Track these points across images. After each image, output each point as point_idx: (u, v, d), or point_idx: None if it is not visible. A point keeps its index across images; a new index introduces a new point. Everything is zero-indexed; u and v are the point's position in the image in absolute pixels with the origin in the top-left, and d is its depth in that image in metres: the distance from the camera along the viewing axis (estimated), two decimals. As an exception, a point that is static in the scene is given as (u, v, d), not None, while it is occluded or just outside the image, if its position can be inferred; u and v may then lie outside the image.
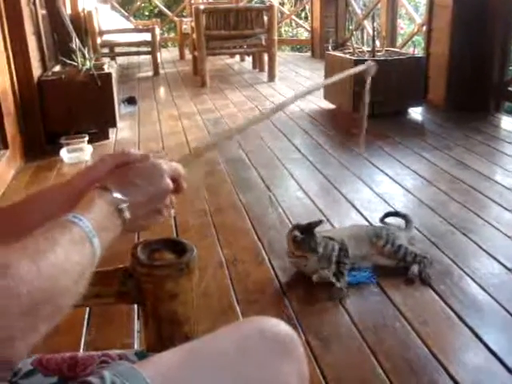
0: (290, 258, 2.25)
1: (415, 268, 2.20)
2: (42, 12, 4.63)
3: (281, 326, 0.87)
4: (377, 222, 2.66)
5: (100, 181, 0.80)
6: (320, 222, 2.21)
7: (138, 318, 1.91)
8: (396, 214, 2.70)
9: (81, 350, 1.80)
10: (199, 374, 0.78)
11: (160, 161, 0.86)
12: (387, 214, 2.70)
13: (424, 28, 5.56)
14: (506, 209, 2.86)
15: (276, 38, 6.75)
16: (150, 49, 7.48)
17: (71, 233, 0.68)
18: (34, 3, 4.33)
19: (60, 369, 0.89)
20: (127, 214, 0.78)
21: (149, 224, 0.86)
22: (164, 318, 0.98)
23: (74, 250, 0.67)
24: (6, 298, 0.57)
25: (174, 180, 0.86)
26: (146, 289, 0.96)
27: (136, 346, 1.81)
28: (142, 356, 0.92)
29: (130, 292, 0.98)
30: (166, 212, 0.87)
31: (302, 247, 2.17)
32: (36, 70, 4.14)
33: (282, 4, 10.25)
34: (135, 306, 1.74)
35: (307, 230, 2.19)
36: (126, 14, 10.00)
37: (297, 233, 2.18)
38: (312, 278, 2.17)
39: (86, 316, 1.97)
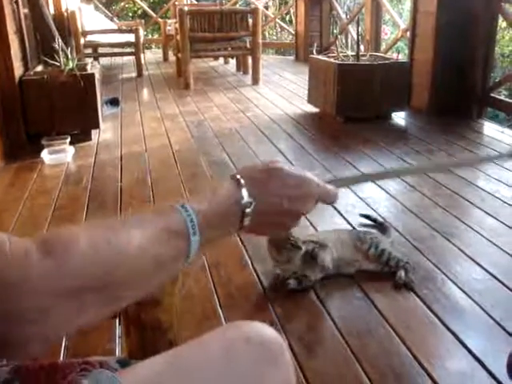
0: (276, 266, 2.23)
1: (402, 273, 2.20)
2: (24, 11, 4.57)
3: (267, 331, 0.85)
4: (360, 225, 2.66)
5: (238, 171, 0.73)
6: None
7: (120, 324, 1.88)
8: (374, 221, 2.71)
9: (61, 356, 1.77)
10: (183, 382, 0.76)
11: (314, 179, 0.77)
12: (368, 217, 2.71)
13: (408, 33, 5.59)
14: (488, 214, 2.87)
15: (260, 41, 6.75)
16: (133, 50, 7.45)
17: (168, 222, 0.63)
18: (17, 2, 4.28)
19: (39, 376, 0.87)
20: (247, 221, 0.71)
21: (264, 233, 0.80)
22: (147, 324, 0.96)
23: (159, 242, 0.62)
24: (43, 279, 0.54)
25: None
26: (129, 295, 0.94)
27: (118, 352, 1.78)
28: (124, 364, 0.90)
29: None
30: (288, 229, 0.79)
31: (284, 247, 2.14)
32: (18, 70, 4.09)
33: (267, 7, 10.25)
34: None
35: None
36: (110, 14, 9.94)
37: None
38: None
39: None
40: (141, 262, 0.61)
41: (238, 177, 0.73)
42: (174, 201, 0.66)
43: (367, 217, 2.75)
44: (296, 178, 0.76)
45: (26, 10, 4.80)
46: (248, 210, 0.71)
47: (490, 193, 3.16)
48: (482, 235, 2.63)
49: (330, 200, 0.80)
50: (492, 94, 4.87)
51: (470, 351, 1.79)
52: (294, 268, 2.16)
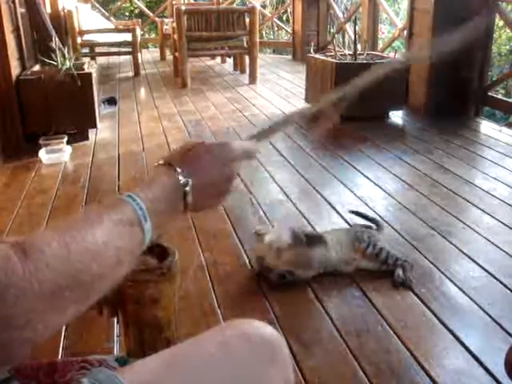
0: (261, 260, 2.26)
1: (400, 272, 2.21)
2: (21, 10, 4.55)
3: (266, 329, 0.86)
4: (357, 225, 2.66)
5: (166, 158, 0.78)
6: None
7: (118, 323, 1.87)
8: (365, 217, 2.70)
9: (59, 356, 1.77)
10: (182, 380, 0.76)
11: (233, 142, 0.83)
12: (358, 213, 2.71)
13: (405, 32, 5.60)
14: (485, 212, 2.88)
15: (258, 40, 6.74)
16: (130, 49, 7.43)
17: (121, 215, 0.66)
18: (13, 1, 4.27)
19: (38, 376, 0.87)
20: (190, 198, 0.76)
21: (209, 206, 0.83)
22: (145, 323, 0.97)
23: (119, 234, 0.65)
24: (25, 283, 0.55)
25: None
26: (127, 293, 0.94)
27: (116, 351, 1.78)
28: (122, 362, 0.90)
29: (110, 297, 0.96)
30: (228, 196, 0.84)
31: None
32: (14, 69, 4.08)
33: (264, 6, 10.24)
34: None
35: None
36: (107, 13, 9.93)
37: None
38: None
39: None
40: (107, 255, 0.63)
41: (168, 162, 0.78)
42: (119, 194, 0.70)
43: (358, 213, 2.73)
44: (217, 146, 0.82)
45: (23, 10, 4.78)
46: (187, 189, 0.75)
47: (487, 191, 3.17)
48: (479, 233, 2.64)
49: (251, 155, 0.86)
50: (489, 93, 4.87)
51: (467, 349, 1.79)
52: (282, 262, 2.18)
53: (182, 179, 0.76)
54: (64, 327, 1.90)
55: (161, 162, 0.78)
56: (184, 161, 0.78)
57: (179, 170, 0.76)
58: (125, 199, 0.69)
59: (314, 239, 2.23)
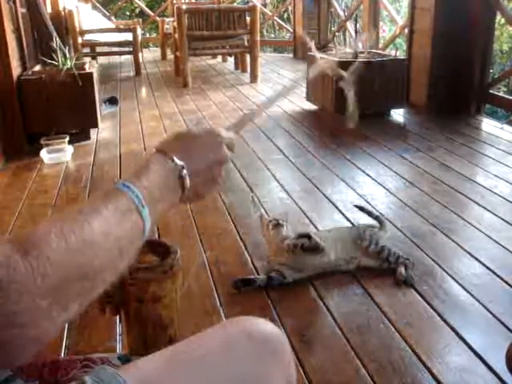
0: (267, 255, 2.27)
1: (402, 269, 2.21)
2: (21, 10, 4.56)
3: (268, 327, 0.86)
4: (359, 223, 2.66)
5: (157, 147, 0.78)
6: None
7: (120, 321, 1.88)
8: (369, 214, 2.69)
9: (62, 355, 1.77)
10: (184, 378, 0.76)
11: (218, 128, 0.85)
12: (362, 209, 2.71)
13: (406, 30, 5.60)
14: (487, 210, 2.88)
15: (258, 38, 6.74)
16: (131, 49, 7.43)
17: (116, 203, 0.66)
18: (14, 1, 4.27)
19: (41, 374, 0.87)
20: (187, 182, 0.76)
21: (205, 193, 0.84)
22: (148, 320, 0.97)
23: (117, 223, 0.65)
24: (27, 279, 0.54)
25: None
26: (130, 291, 0.94)
27: (118, 349, 1.78)
28: (125, 360, 0.91)
29: (112, 295, 0.96)
30: (221, 181, 0.85)
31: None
32: (15, 70, 4.08)
33: (265, 5, 10.24)
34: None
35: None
36: (108, 13, 9.93)
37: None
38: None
39: (67, 319, 1.95)
40: (107, 245, 0.63)
41: (161, 150, 0.78)
42: (114, 183, 0.69)
43: (362, 208, 2.72)
44: (205, 132, 0.84)
45: (24, 10, 4.79)
46: (184, 173, 0.76)
47: (488, 189, 3.17)
48: (480, 231, 2.64)
49: (231, 147, 0.87)
50: (490, 90, 4.87)
51: (469, 346, 1.79)
52: (282, 261, 2.19)
53: (178, 163, 0.76)
54: (66, 326, 1.91)
55: (153, 151, 0.78)
56: (176, 148, 0.78)
57: (173, 156, 0.76)
58: (119, 188, 0.68)
59: (310, 248, 2.23)
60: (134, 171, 0.72)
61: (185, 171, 0.76)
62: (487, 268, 2.29)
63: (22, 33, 4.43)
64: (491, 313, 1.97)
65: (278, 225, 2.25)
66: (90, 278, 0.61)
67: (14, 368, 0.61)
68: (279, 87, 6.39)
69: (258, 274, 2.27)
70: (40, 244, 0.57)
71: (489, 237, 2.57)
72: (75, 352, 1.75)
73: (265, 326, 0.87)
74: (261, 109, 1.08)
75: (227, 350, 0.81)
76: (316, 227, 2.68)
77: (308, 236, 2.23)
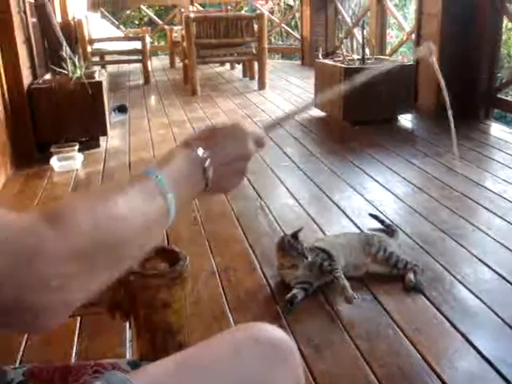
0: (280, 270, 2.25)
1: (411, 276, 2.20)
2: (32, 20, 4.61)
3: (276, 332, 0.87)
4: (368, 229, 2.67)
5: (182, 141, 0.80)
6: (300, 230, 2.24)
7: (130, 328, 1.89)
8: (382, 222, 2.70)
9: (72, 360, 1.78)
10: (194, 382, 0.77)
11: (244, 123, 0.86)
12: (376, 217, 2.72)
13: (413, 36, 5.60)
14: (496, 215, 2.87)
15: (266, 46, 6.77)
16: (140, 57, 7.48)
17: (142, 186, 0.68)
18: (25, 11, 4.32)
19: (52, 379, 0.88)
20: (210, 173, 0.77)
21: (229, 186, 0.85)
22: (157, 327, 0.98)
23: (143, 203, 0.67)
24: (57, 246, 0.57)
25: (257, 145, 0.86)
26: (139, 298, 0.95)
27: (128, 356, 1.79)
28: (135, 365, 0.92)
29: (122, 301, 0.97)
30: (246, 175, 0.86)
31: (290, 254, 2.16)
32: (26, 78, 4.13)
33: (272, 12, 10.27)
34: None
35: (292, 237, 2.20)
36: (116, 22, 10.00)
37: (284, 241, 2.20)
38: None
39: (78, 326, 1.96)
40: (133, 219, 0.65)
41: (185, 142, 0.79)
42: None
43: (375, 217, 2.75)
44: (230, 126, 0.84)
45: (34, 19, 4.84)
46: (207, 164, 0.76)
47: (497, 194, 3.16)
48: (489, 236, 2.63)
49: (261, 142, 0.87)
50: (498, 95, 4.86)
51: (478, 352, 1.79)
52: (298, 274, 2.17)
53: (201, 154, 0.77)
54: (77, 332, 1.92)
55: (177, 144, 0.80)
56: (200, 140, 0.80)
57: (197, 146, 0.77)
58: (144, 174, 0.70)
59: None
60: (158, 161, 0.74)
61: (208, 162, 0.76)
62: (496, 273, 2.28)
63: (33, 42, 4.48)
64: (501, 318, 1.97)
65: (293, 266, 2.19)
66: (117, 249, 0.63)
67: (42, 332, 0.64)
68: (287, 94, 6.41)
69: (268, 281, 2.28)
70: (67, 214, 0.60)
71: (498, 242, 2.56)
72: (85, 358, 1.76)
73: (273, 332, 0.87)
74: (291, 115, 1.09)
75: (236, 355, 0.82)
76: (324, 233, 2.69)
77: (322, 249, 2.24)
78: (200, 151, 0.77)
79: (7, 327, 0.62)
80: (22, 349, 1.85)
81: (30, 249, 0.56)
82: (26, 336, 1.90)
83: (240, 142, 0.82)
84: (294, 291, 2.12)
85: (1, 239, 0.55)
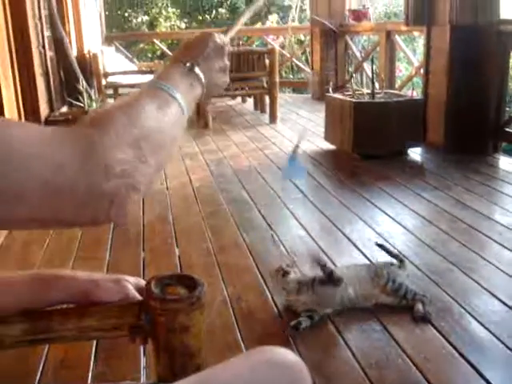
0: (286, 297, 2.31)
1: (420, 306, 2.24)
2: (50, 54, 4.75)
3: (289, 356, 0.91)
4: (377, 260, 2.70)
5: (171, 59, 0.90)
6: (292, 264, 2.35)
7: (145, 354, 1.93)
8: (389, 252, 2.73)
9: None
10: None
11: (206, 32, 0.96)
12: (382, 246, 2.75)
13: (422, 70, 5.69)
14: (505, 247, 2.90)
15: (277, 80, 6.88)
16: (153, 90, 7.59)
17: (156, 96, 0.77)
18: (44, 46, 4.46)
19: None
20: (202, 77, 0.86)
21: (221, 84, 0.95)
22: (176, 350, 1.02)
23: (159, 103, 0.76)
24: (105, 141, 0.66)
25: None
26: (159, 322, 1.00)
27: (143, 380, 1.83)
28: (155, 386, 0.96)
29: (143, 325, 1.02)
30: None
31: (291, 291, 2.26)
32: (44, 111, 4.24)
33: (283, 47, 10.44)
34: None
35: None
36: (130, 55, 10.20)
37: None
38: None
39: (93, 350, 2.00)
40: (157, 116, 0.74)
41: (173, 58, 0.90)
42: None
43: (382, 246, 2.77)
44: (199, 35, 0.94)
45: (52, 53, 4.98)
46: (197, 70, 0.86)
47: (506, 226, 3.19)
48: (499, 268, 2.66)
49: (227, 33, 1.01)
50: (506, 129, 4.91)
51: (488, 382, 1.81)
52: (304, 300, 2.21)
53: (189, 63, 0.86)
54: (93, 357, 1.96)
55: (167, 63, 0.90)
56: (184, 55, 0.89)
57: (185, 59, 0.87)
58: (149, 87, 0.80)
59: (334, 278, 2.27)
60: (158, 75, 0.84)
61: (197, 68, 0.86)
62: (506, 305, 2.30)
63: (51, 75, 4.61)
64: (510, 349, 1.99)
65: (285, 273, 2.29)
66: (155, 136, 0.72)
67: (122, 224, 0.71)
68: (298, 127, 6.49)
69: (278, 310, 2.32)
70: (105, 118, 0.70)
71: (508, 274, 2.59)
72: (102, 381, 1.80)
73: (286, 355, 0.92)
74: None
75: (252, 375, 0.87)
76: (335, 264, 2.72)
77: (323, 265, 2.28)
78: (188, 62, 0.86)
79: (91, 221, 0.69)
80: (38, 373, 1.90)
81: (86, 145, 0.65)
82: (43, 359, 1.94)
83: (212, 41, 0.92)
84: (300, 318, 2.18)
85: (57, 141, 0.64)
